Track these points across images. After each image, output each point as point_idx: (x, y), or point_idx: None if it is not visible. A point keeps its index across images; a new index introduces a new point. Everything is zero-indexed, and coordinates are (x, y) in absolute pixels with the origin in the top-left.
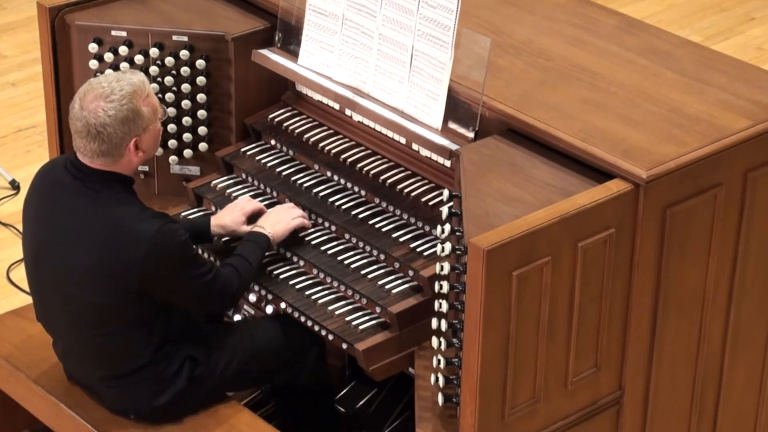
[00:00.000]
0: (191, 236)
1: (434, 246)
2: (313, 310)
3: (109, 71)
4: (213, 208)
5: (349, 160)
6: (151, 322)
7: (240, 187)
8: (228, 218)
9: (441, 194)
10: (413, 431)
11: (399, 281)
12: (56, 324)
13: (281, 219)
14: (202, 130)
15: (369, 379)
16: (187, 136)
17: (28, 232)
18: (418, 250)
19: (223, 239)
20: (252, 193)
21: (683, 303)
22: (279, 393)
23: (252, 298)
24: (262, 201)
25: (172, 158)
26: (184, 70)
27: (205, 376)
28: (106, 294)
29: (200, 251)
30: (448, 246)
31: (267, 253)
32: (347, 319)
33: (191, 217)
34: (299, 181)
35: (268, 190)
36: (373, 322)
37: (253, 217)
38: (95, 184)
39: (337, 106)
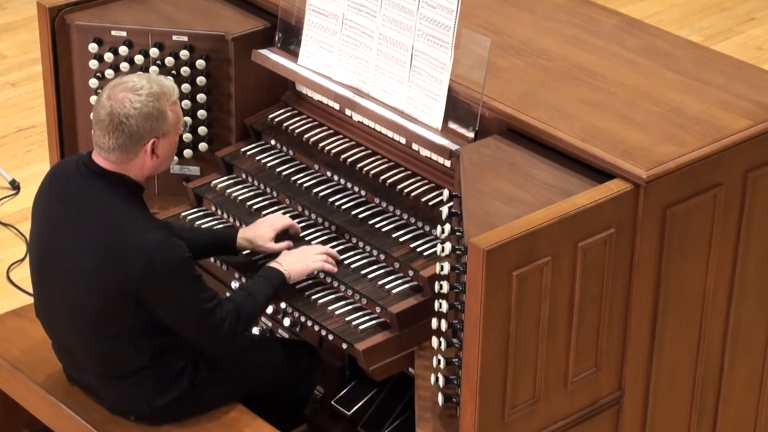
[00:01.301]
0: (215, 247)
1: (434, 246)
2: (313, 310)
3: (108, 71)
4: (213, 208)
5: (349, 160)
6: (152, 327)
7: (240, 187)
8: (255, 233)
9: (441, 194)
10: (413, 431)
11: (399, 281)
12: (56, 323)
13: (302, 259)
14: (202, 130)
15: (369, 379)
16: (187, 136)
17: (35, 230)
18: (418, 250)
19: (245, 252)
20: (252, 193)
21: (683, 303)
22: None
23: None
24: (262, 201)
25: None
26: (184, 70)
27: (207, 383)
28: (106, 298)
29: (219, 265)
30: (448, 246)
31: (267, 255)
32: (347, 319)
33: (218, 227)
34: (299, 181)
35: (268, 190)
36: (373, 322)
37: (282, 236)
38: (105, 187)
39: (337, 106)
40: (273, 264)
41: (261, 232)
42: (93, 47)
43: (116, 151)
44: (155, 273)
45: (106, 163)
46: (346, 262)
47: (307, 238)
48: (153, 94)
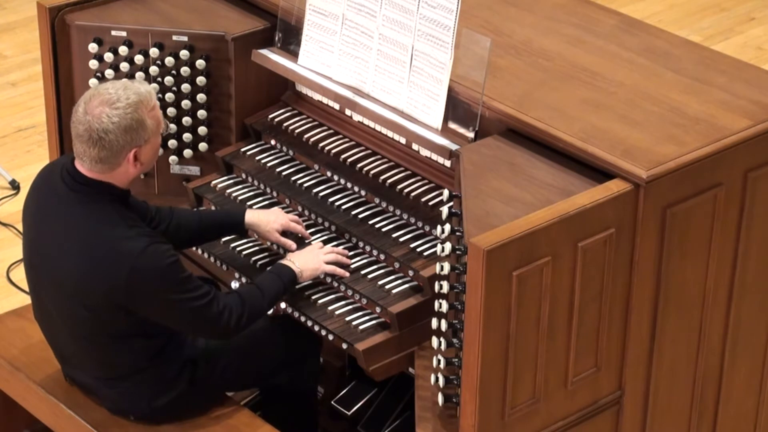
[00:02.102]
0: (222, 227)
1: (434, 246)
2: (313, 310)
3: (108, 71)
4: (213, 208)
5: (349, 160)
6: (148, 330)
7: (240, 187)
8: (265, 218)
9: (441, 194)
10: (413, 431)
11: (399, 281)
12: (52, 327)
13: (313, 259)
14: (202, 130)
15: (369, 379)
16: (187, 136)
17: (25, 236)
18: (418, 250)
19: (244, 252)
20: (252, 193)
21: (683, 303)
22: (268, 396)
23: None
24: (262, 201)
25: (172, 158)
26: (184, 70)
27: (206, 378)
28: (95, 308)
29: (219, 265)
30: (448, 246)
31: (267, 254)
32: (347, 319)
33: (224, 207)
34: (299, 181)
35: (268, 190)
36: (373, 322)
37: (285, 235)
38: (88, 196)
39: (337, 106)
40: (285, 261)
41: (269, 218)
42: (93, 47)
43: (99, 163)
44: (140, 282)
45: (90, 172)
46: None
47: (306, 239)
48: (131, 104)
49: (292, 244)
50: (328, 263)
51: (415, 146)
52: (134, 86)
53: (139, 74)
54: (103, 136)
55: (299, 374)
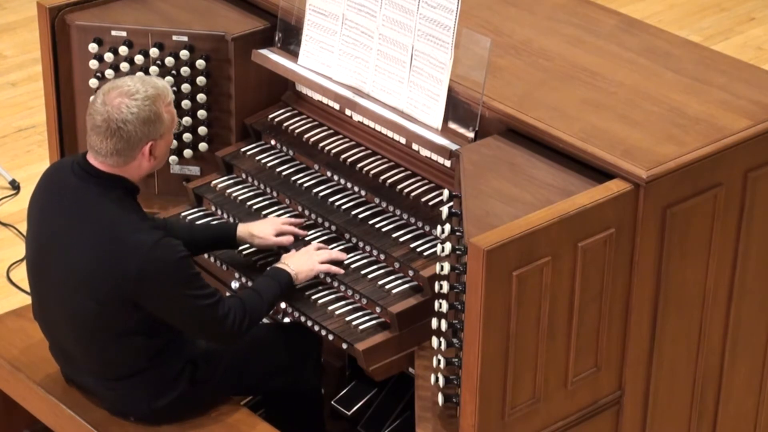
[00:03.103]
0: (215, 241)
1: (434, 246)
2: (313, 310)
3: (108, 71)
4: (213, 208)
5: (349, 160)
6: (151, 329)
7: (240, 187)
8: (257, 228)
9: (441, 194)
10: (413, 431)
11: (399, 281)
12: (54, 325)
13: (308, 260)
14: (202, 130)
15: (369, 379)
16: (187, 136)
17: (30, 233)
18: (418, 250)
19: (244, 252)
20: (252, 193)
21: (683, 303)
22: (271, 398)
23: None
24: (262, 201)
25: (172, 158)
26: (184, 70)
27: (206, 380)
28: (103, 301)
29: (219, 265)
30: (448, 246)
31: (267, 254)
32: (347, 319)
33: (216, 222)
34: (299, 181)
35: (268, 190)
36: (373, 322)
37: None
38: (100, 188)
39: (337, 106)
40: (279, 265)
41: (262, 227)
42: (93, 47)
43: (114, 155)
44: (151, 274)
45: (103, 165)
46: (346, 262)
47: (307, 238)
48: (149, 97)
49: (290, 239)
50: (322, 262)
51: (415, 146)
52: (152, 80)
53: (139, 74)
54: (121, 126)
55: (301, 376)
